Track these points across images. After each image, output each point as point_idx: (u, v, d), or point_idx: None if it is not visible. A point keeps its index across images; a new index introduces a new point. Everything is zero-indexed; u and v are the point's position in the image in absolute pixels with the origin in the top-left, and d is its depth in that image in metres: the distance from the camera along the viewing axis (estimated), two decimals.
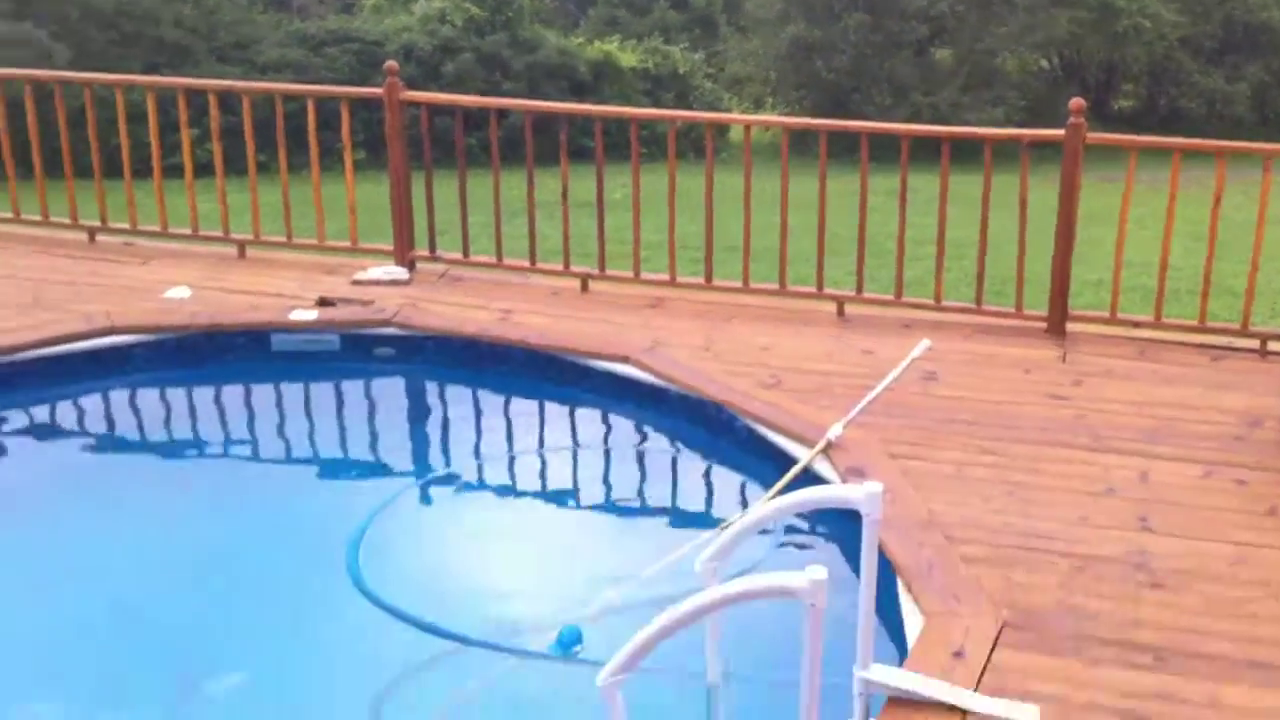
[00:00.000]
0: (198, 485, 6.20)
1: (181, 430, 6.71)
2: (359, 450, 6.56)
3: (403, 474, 6.30)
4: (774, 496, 5.14)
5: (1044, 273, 7.09)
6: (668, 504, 6.01)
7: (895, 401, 6.00)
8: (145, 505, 5.93)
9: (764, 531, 5.17)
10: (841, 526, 5.16)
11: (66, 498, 5.96)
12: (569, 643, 4.75)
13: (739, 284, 7.58)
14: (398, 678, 4.63)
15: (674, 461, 6.34)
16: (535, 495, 6.12)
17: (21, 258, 8.15)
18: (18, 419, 6.73)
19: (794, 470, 5.43)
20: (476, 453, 6.51)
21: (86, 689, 4.60)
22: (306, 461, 6.48)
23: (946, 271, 7.25)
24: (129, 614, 5.05)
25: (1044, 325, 7.04)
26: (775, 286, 7.52)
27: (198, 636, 4.93)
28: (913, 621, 4.32)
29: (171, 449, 6.52)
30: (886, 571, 4.40)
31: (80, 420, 6.80)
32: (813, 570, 3.21)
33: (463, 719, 4.40)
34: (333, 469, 6.37)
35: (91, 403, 6.87)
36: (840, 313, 7.34)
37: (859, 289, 7.38)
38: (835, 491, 4.61)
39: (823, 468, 5.48)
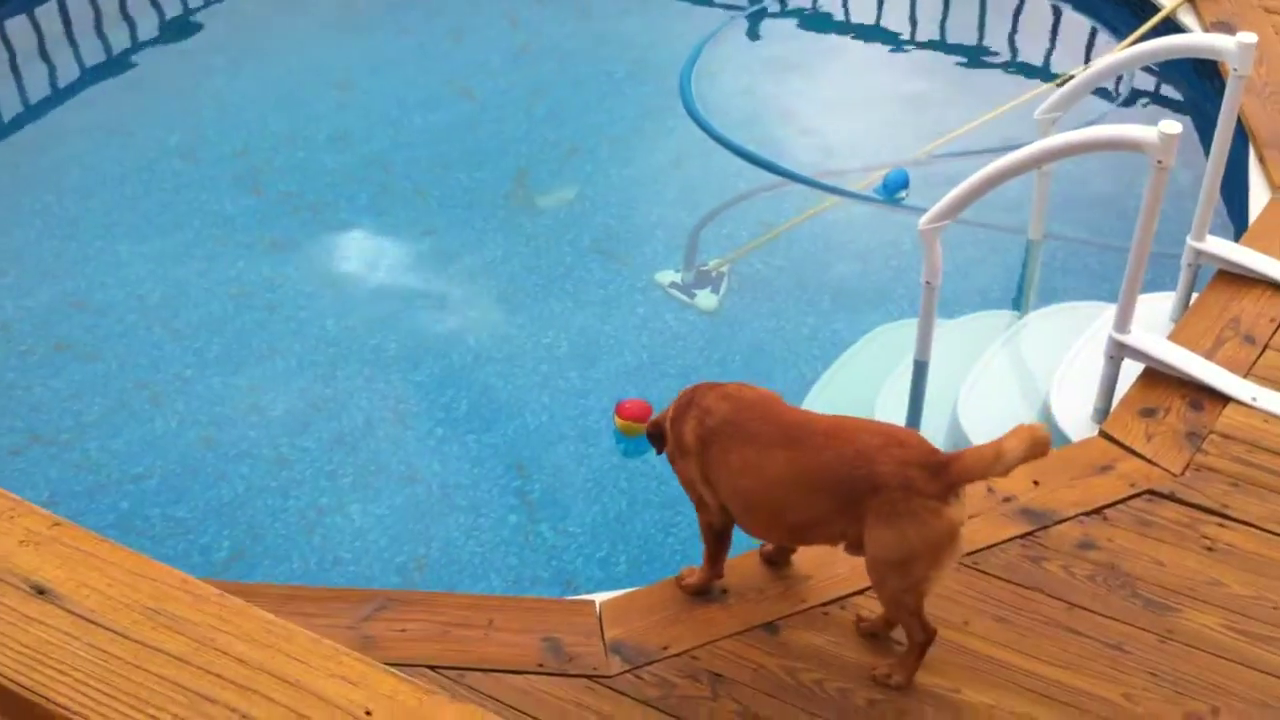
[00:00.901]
0: None
1: None
2: None
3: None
4: (1129, 46, 4.81)
5: None
6: (1008, 49, 5.73)
7: None
8: (484, 13, 6.06)
9: (1110, 87, 4.92)
10: (1195, 91, 4.86)
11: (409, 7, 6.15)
12: (894, 186, 4.73)
13: None
14: (720, 206, 4.76)
15: (1019, 2, 5.99)
16: (868, 32, 5.93)
17: None
18: None
19: (1154, 19, 5.04)
20: None
21: (431, 194, 4.92)
22: None
23: None
24: (467, 124, 5.29)
25: None
26: None
27: (533, 149, 5.14)
28: (1259, 196, 4.08)
29: None
30: (1239, 140, 4.12)
31: None
32: (1166, 124, 2.96)
33: (782, 254, 4.51)
34: None
35: None
36: None
37: None
38: (1201, 39, 4.22)
39: (1187, 18, 5.07)
